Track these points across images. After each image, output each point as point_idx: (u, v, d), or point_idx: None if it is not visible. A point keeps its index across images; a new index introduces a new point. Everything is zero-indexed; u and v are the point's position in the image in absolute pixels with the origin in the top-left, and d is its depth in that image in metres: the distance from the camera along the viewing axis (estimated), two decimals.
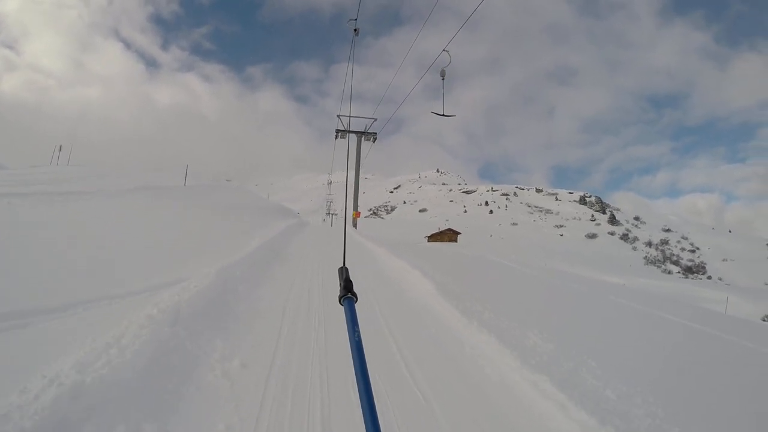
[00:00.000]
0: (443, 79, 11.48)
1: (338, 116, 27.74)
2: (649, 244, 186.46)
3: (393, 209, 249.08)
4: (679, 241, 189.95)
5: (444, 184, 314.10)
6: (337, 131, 27.96)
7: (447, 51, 10.16)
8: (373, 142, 28.68)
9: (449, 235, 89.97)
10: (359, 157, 28.18)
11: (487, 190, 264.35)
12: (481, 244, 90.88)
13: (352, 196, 28.12)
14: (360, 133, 28.17)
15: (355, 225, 27.69)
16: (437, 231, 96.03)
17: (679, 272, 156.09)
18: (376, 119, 28.00)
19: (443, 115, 12.35)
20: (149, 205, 16.14)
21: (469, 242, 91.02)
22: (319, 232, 23.26)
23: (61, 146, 36.29)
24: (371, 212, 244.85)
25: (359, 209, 29.85)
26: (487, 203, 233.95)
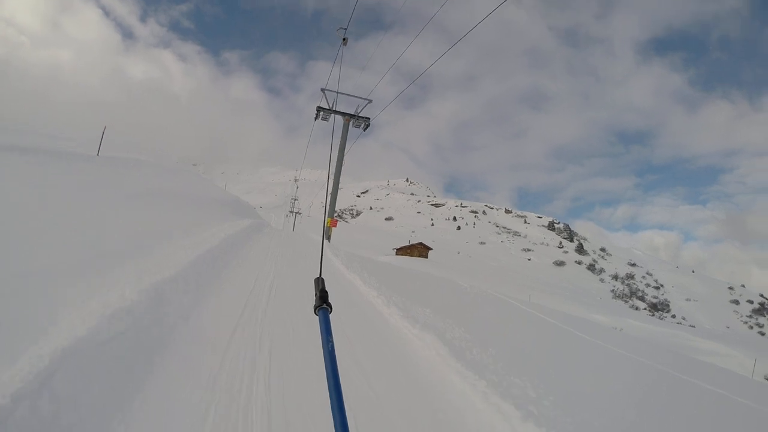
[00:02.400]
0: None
1: (323, 90, 21.02)
2: (616, 277, 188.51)
3: (359, 214, 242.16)
4: (644, 277, 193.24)
5: (413, 194, 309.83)
6: (320, 109, 21.21)
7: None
8: (364, 129, 22.09)
9: (419, 250, 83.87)
10: (344, 145, 21.47)
11: (456, 206, 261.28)
12: (452, 263, 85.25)
13: (330, 197, 21.48)
14: (349, 116, 21.48)
15: (329, 237, 20.92)
16: (407, 244, 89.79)
17: (645, 309, 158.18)
18: (370, 101, 21.49)
19: None
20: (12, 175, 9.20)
21: (439, 259, 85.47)
22: (280, 243, 16.53)
23: None
24: (336, 214, 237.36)
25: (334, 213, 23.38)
26: (455, 219, 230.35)
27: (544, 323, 12.73)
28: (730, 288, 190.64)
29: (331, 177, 21.78)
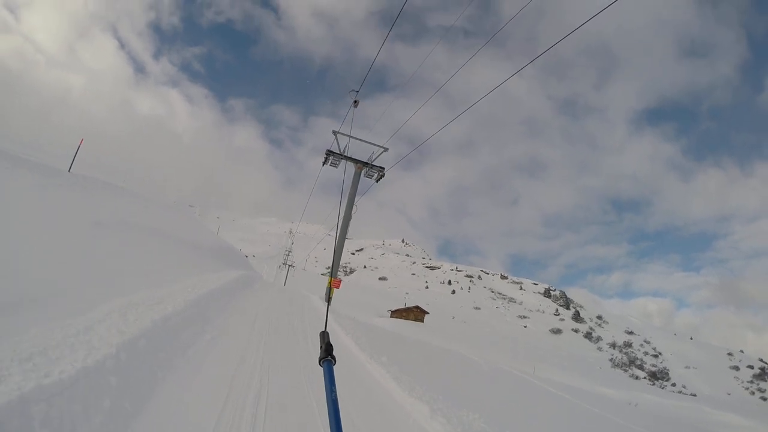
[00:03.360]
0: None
1: (335, 133, 19.01)
2: (613, 345, 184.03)
3: (352, 272, 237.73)
4: (642, 345, 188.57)
5: (408, 255, 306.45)
6: (330, 153, 19.07)
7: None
8: (378, 180, 19.89)
9: (416, 314, 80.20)
10: (353, 196, 19.15)
11: (451, 269, 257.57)
12: (449, 329, 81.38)
13: (335, 254, 18.97)
14: (362, 164, 19.34)
15: (329, 298, 18.17)
16: (403, 307, 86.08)
17: (645, 377, 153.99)
18: (386, 149, 19.42)
19: None
20: None
21: (435, 324, 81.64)
22: (272, 304, 13.84)
23: None
24: (328, 269, 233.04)
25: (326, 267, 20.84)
26: (450, 282, 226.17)
27: (568, 403, 12.62)
28: (729, 354, 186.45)
29: (338, 231, 19.28)
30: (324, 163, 19.34)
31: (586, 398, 17.81)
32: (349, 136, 19.29)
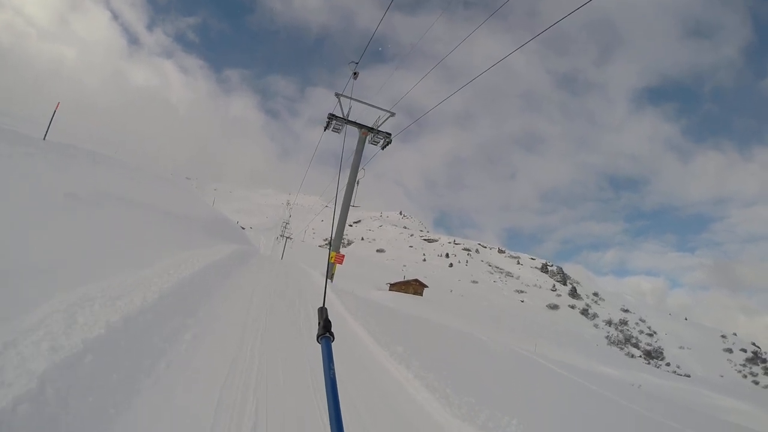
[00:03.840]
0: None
1: (338, 95, 17.39)
2: (609, 323, 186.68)
3: (350, 243, 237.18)
4: (637, 323, 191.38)
5: (405, 227, 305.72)
6: (332, 117, 17.47)
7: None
8: (384, 148, 18.37)
9: (415, 287, 79.53)
10: (358, 164, 17.65)
11: (449, 242, 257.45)
12: (449, 303, 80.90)
13: (336, 226, 17.60)
14: (367, 129, 17.79)
15: (331, 276, 16.85)
16: (402, 280, 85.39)
17: (640, 356, 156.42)
18: (393, 114, 17.85)
19: None
20: None
21: (434, 298, 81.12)
22: (270, 280, 12.49)
23: None
24: (326, 242, 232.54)
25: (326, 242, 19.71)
26: (447, 255, 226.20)
27: (579, 386, 12.82)
28: (723, 336, 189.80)
29: (336, 201, 17.86)
30: (326, 128, 17.78)
31: (590, 378, 17.19)
32: (354, 99, 17.73)
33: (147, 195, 14.88)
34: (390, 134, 17.99)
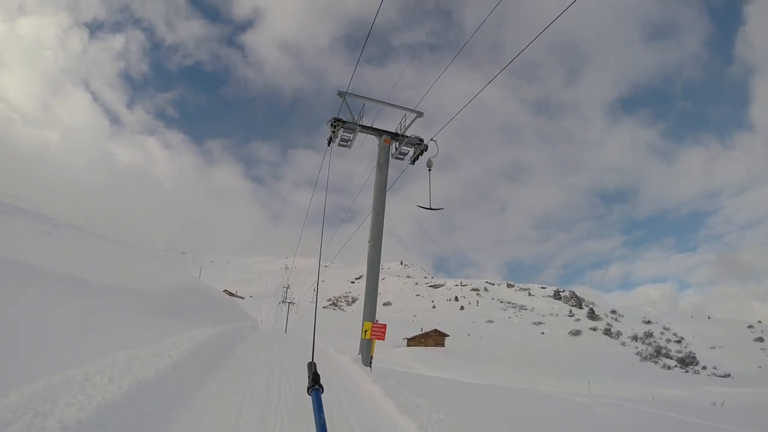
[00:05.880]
0: (430, 170, 10.26)
1: (341, 94, 12.10)
2: (635, 338, 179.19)
3: (354, 300, 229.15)
4: (662, 333, 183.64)
5: (409, 276, 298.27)
6: (338, 123, 12.02)
7: (435, 141, 9.65)
8: (414, 161, 12.85)
9: (435, 338, 72.61)
10: (384, 184, 12.11)
11: (456, 285, 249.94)
12: (474, 349, 73.70)
13: (369, 281, 11.80)
14: (391, 136, 12.44)
15: (370, 361, 10.79)
16: (419, 333, 78.34)
17: (676, 366, 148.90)
18: (420, 114, 12.57)
19: (431, 208, 10.30)
20: None
21: (456, 346, 74.06)
22: (269, 392, 6.76)
23: None
24: (330, 302, 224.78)
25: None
26: (457, 298, 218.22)
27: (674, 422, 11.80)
28: (750, 326, 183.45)
29: (372, 244, 12.60)
30: (330, 141, 12.30)
31: (666, 408, 15.41)
32: (365, 98, 12.55)
33: (73, 264, 9.27)
34: (422, 140, 12.59)
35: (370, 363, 10.64)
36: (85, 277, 8.06)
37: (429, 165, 8.37)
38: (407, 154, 12.89)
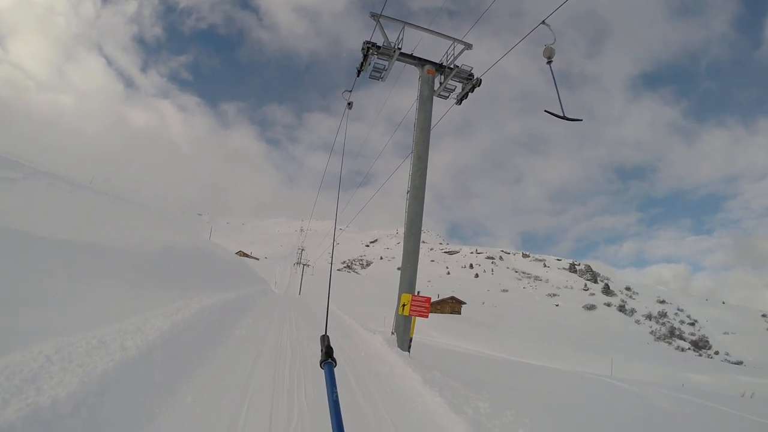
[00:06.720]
0: (550, 63, 6.17)
1: (375, 16, 9.59)
2: (649, 316, 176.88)
3: (369, 264, 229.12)
4: (676, 314, 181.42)
5: (424, 242, 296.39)
6: (371, 48, 9.57)
7: (547, 24, 6.04)
8: (460, 101, 10.41)
9: (451, 305, 71.05)
10: (428, 121, 9.71)
11: (471, 252, 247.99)
12: (490, 318, 72.10)
13: (409, 240, 9.59)
14: (435, 66, 9.99)
15: (409, 344, 8.67)
16: (436, 299, 76.86)
17: (690, 348, 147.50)
18: (469, 46, 10.03)
19: (566, 117, 5.84)
20: None
21: (472, 314, 72.55)
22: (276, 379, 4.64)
23: None
24: (345, 265, 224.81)
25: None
26: (471, 266, 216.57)
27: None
28: (764, 315, 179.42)
29: (408, 198, 10.47)
30: (360, 69, 9.89)
31: (710, 398, 13.57)
32: (403, 23, 10.00)
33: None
34: (473, 74, 10.09)
35: (409, 347, 8.53)
36: (34, 232, 5.95)
37: (548, 55, 5.38)
38: (453, 90, 10.42)
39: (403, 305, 8.61)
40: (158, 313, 5.73)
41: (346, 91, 9.83)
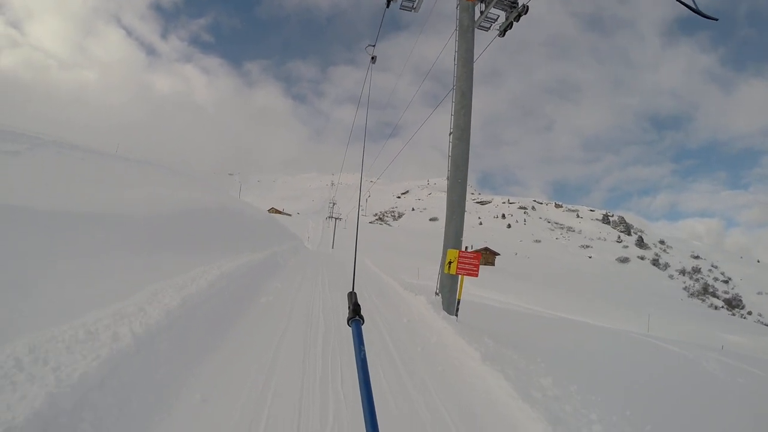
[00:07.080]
0: None
1: None
2: (683, 272, 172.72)
3: (400, 216, 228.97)
4: (710, 270, 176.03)
5: None
6: None
7: None
8: (503, 33, 9.09)
9: (486, 257, 70.19)
10: (470, 53, 8.56)
11: (503, 202, 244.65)
12: (525, 269, 71.13)
13: (454, 185, 8.65)
14: None
15: (456, 307, 7.94)
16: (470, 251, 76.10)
17: (723, 307, 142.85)
18: None
19: (698, 12, 3.74)
20: None
21: (506, 266, 71.79)
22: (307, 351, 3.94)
23: None
24: (377, 217, 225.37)
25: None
26: (504, 216, 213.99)
27: None
28: None
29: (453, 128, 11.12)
30: (389, 0, 8.69)
31: (747, 361, 12.02)
32: None
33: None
34: (517, 1, 8.73)
35: (457, 310, 7.76)
36: (35, 207, 5.27)
37: None
38: (495, 21, 9.08)
39: (449, 263, 7.77)
40: (169, 285, 5.04)
41: (369, 45, 8.77)
